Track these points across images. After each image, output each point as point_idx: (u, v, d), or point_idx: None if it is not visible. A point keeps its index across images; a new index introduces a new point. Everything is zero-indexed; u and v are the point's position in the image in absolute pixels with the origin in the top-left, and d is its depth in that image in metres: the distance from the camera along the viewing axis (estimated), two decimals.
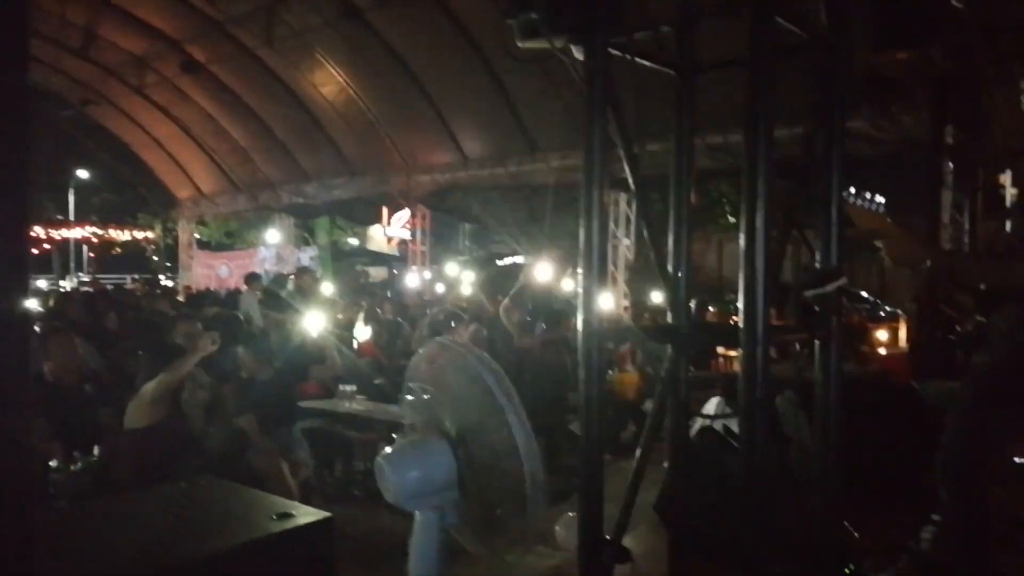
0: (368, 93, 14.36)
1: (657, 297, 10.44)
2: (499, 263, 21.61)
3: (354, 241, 27.72)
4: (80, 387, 5.01)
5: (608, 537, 2.18)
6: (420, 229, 16.65)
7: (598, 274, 2.12)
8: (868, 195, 19.17)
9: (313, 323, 6.69)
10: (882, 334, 11.16)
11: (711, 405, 4.09)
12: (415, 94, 13.37)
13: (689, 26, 2.36)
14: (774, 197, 2.02)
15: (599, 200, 2.09)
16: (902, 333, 10.61)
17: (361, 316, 10.73)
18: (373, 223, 18.70)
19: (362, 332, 10.29)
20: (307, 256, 21.48)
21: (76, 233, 21.93)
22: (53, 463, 3.96)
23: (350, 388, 7.03)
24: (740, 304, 2.05)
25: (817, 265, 2.45)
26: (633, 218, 12.83)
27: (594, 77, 1.95)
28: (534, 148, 12.78)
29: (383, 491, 2.16)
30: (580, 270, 2.25)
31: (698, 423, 3.70)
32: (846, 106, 2.47)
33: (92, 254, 24.67)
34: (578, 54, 2.04)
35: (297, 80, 14.86)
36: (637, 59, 2.13)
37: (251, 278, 11.76)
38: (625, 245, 13.65)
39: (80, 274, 25.25)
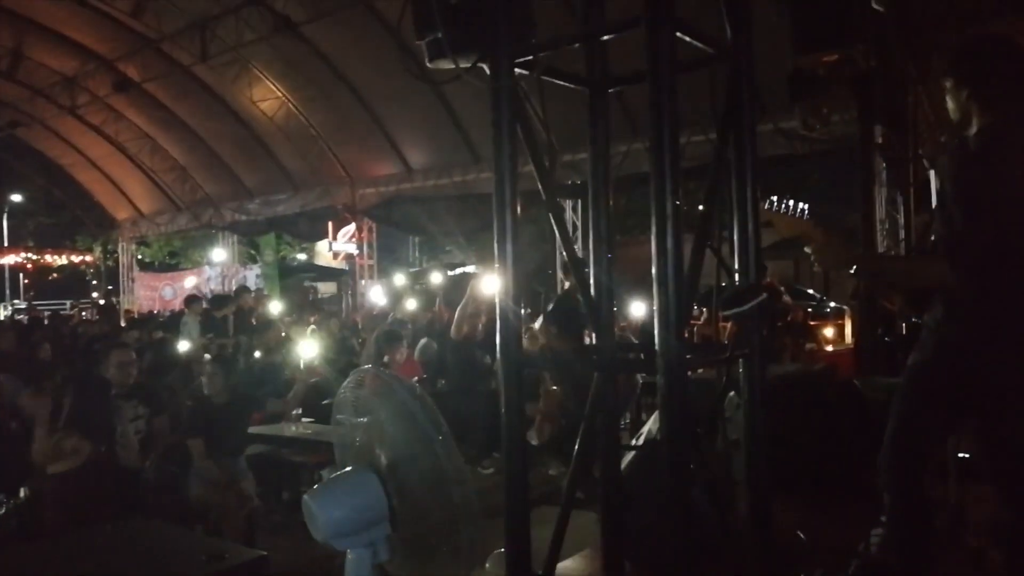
0: (307, 107, 14.21)
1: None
2: (450, 273, 21.49)
3: (302, 256, 27.36)
4: (5, 424, 4.80)
5: (539, 573, 2.14)
6: (367, 242, 16.49)
7: (517, 294, 2.07)
8: (790, 202, 19.52)
9: (300, 353, 6.52)
10: (828, 331, 11.35)
11: (651, 421, 4.06)
12: (356, 106, 13.26)
13: (594, 44, 2.35)
14: (684, 212, 2.01)
15: (512, 220, 2.05)
16: (847, 329, 10.80)
17: (309, 333, 10.56)
18: (319, 238, 18.47)
19: (308, 350, 10.12)
20: (253, 274, 21.14)
21: (10, 259, 21.21)
22: None
23: (296, 411, 6.89)
24: (655, 330, 2.03)
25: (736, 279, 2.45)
26: (580, 225, 12.87)
27: (500, 96, 1.91)
28: (478, 158, 12.76)
29: (312, 531, 2.07)
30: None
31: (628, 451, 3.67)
32: (754, 115, 2.48)
33: (27, 280, 23.91)
34: (486, 69, 2.00)
35: (235, 96, 14.64)
36: (545, 77, 2.10)
37: (190, 300, 11.48)
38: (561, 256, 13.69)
39: (16, 301, 24.45)
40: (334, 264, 20.66)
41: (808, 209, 19.53)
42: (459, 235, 16.15)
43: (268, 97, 14.28)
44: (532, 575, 2.07)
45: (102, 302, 20.95)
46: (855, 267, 2.56)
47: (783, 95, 6.78)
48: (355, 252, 16.85)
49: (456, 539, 2.05)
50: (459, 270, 21.77)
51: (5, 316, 18.93)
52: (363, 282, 16.74)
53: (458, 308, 7.86)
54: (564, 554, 2.49)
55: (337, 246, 17.21)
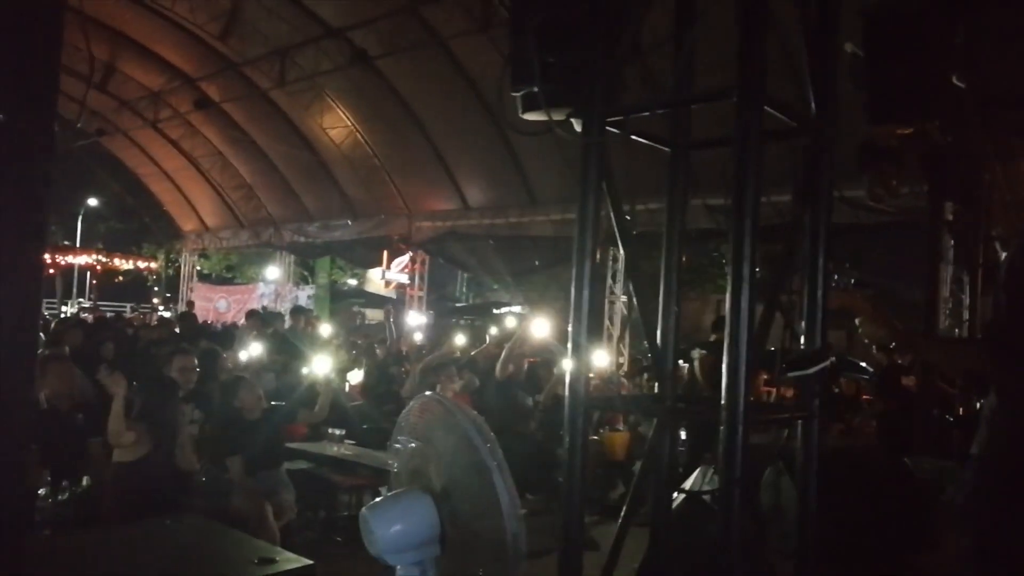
0: (374, 137, 14.61)
1: None
2: (496, 312, 21.66)
3: (353, 282, 27.81)
4: (73, 415, 5.01)
5: None
6: (419, 274, 16.75)
7: (589, 339, 2.16)
8: (835, 275, 19.14)
9: (318, 366, 6.68)
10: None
11: (696, 475, 4.09)
12: (420, 140, 13.60)
13: (681, 111, 2.46)
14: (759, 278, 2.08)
15: (590, 268, 2.15)
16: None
17: (355, 358, 10.73)
18: (373, 265, 18.81)
19: (354, 375, 10.28)
20: (305, 295, 21.57)
21: (81, 260, 22.04)
22: (41, 491, 3.96)
23: (338, 432, 7.01)
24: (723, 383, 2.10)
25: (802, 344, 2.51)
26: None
27: (590, 152, 2.02)
28: (534, 200, 12.96)
29: (366, 543, 2.17)
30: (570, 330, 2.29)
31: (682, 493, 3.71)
32: (831, 187, 2.55)
33: (95, 281, 24.74)
34: (577, 126, 2.12)
35: (306, 121, 15.13)
36: (633, 136, 2.21)
37: (250, 315, 11.79)
38: (623, 301, 13.71)
39: (81, 300, 25.27)
40: (383, 292, 20.98)
41: (863, 281, 19.22)
42: (507, 275, 16.32)
43: (337, 125, 14.74)
44: None
45: (166, 311, 21.56)
46: (896, 344, 2.56)
47: (851, 163, 6.74)
48: (407, 282, 17.11)
49: (503, 567, 2.12)
50: (504, 310, 21.94)
51: (71, 314, 19.59)
52: (411, 312, 16.96)
53: (505, 347, 7.97)
54: None
55: (390, 275, 17.49)
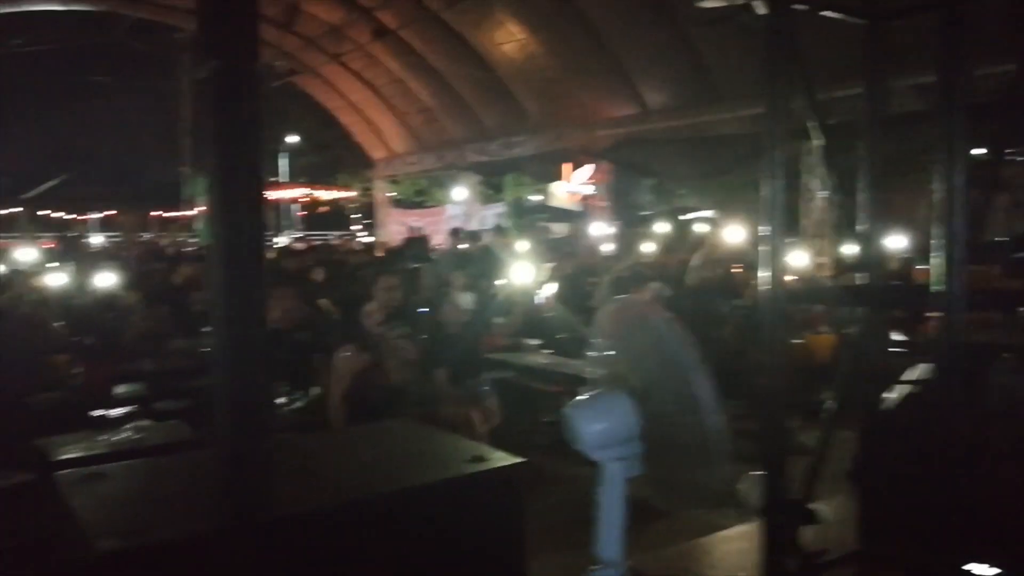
0: (548, 49, 14.45)
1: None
2: (681, 218, 21.16)
3: (537, 197, 28.09)
4: (295, 333, 5.53)
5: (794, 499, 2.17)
6: (602, 184, 16.61)
7: (784, 236, 2.07)
8: None
9: (515, 277, 6.88)
10: None
11: (916, 371, 3.86)
12: (595, 47, 13.28)
13: None
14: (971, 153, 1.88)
15: (780, 157, 2.03)
16: None
17: (546, 271, 10.94)
18: (554, 179, 18.86)
19: (547, 287, 10.50)
20: (492, 213, 22.09)
21: (288, 193, 23.94)
22: (277, 400, 4.45)
23: (534, 342, 7.26)
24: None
25: None
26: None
27: (776, 35, 1.89)
28: (718, 96, 12.35)
29: (570, 441, 2.27)
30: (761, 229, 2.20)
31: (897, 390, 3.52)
32: None
33: (302, 212, 26.80)
34: (760, 10, 1.99)
35: (479, 40, 15.21)
36: (823, 12, 2.03)
37: (454, 233, 12.32)
38: (820, 197, 12.92)
39: (291, 231, 27.46)
40: (567, 205, 21.05)
41: None
42: (695, 178, 15.82)
43: (510, 40, 14.70)
44: (789, 500, 2.12)
45: (366, 237, 22.99)
46: None
47: None
48: (590, 193, 17.05)
49: (707, 467, 2.15)
50: (692, 215, 21.37)
51: (285, 244, 21.40)
52: (596, 224, 16.94)
53: (698, 253, 7.82)
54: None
55: (572, 187, 17.48)
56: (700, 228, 12.90)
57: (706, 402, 2.06)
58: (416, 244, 13.71)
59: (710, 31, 11.26)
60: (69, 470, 2.96)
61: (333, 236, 25.08)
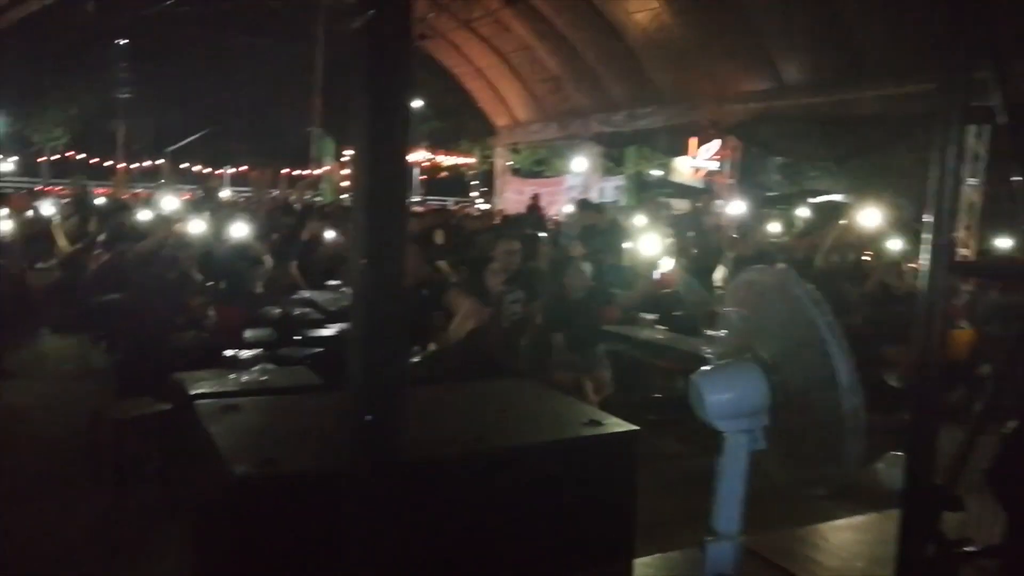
0: (681, 18, 14.06)
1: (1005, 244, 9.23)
2: (811, 201, 20.35)
3: (657, 172, 27.61)
4: (417, 291, 5.68)
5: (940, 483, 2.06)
6: (729, 161, 16.13)
7: (951, 222, 1.90)
8: None
9: (641, 251, 6.81)
10: None
11: None
12: (731, 16, 12.80)
13: None
14: None
15: (958, 146, 1.87)
16: None
17: (668, 247, 10.77)
18: (679, 153, 18.43)
19: (665, 263, 10.34)
20: (612, 185, 21.87)
21: (411, 157, 24.47)
22: None
23: (650, 316, 7.17)
24: None
25: None
26: (983, 155, 11.28)
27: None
28: (860, 72, 11.68)
29: (695, 409, 2.23)
30: (926, 217, 2.04)
31: None
32: None
33: (422, 177, 27.34)
34: None
35: (611, 7, 14.95)
36: None
37: (581, 204, 12.28)
38: (970, 185, 12.10)
39: (414, 196, 28.10)
40: (690, 181, 20.60)
41: None
42: (829, 160, 15.13)
43: (644, 8, 14.38)
44: (933, 484, 2.02)
45: (484, 204, 23.26)
46: None
47: None
48: (716, 170, 16.58)
49: (838, 446, 2.06)
50: (823, 198, 20.50)
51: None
52: (719, 202, 16.50)
53: (828, 235, 7.52)
54: None
55: (698, 162, 17.03)
56: (831, 211, 12.36)
57: (845, 379, 1.97)
58: (533, 213, 13.76)
59: (857, 2, 10.67)
60: (207, 401, 3.16)
61: (450, 201, 25.49)
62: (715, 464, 2.28)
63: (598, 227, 9.92)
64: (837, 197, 17.92)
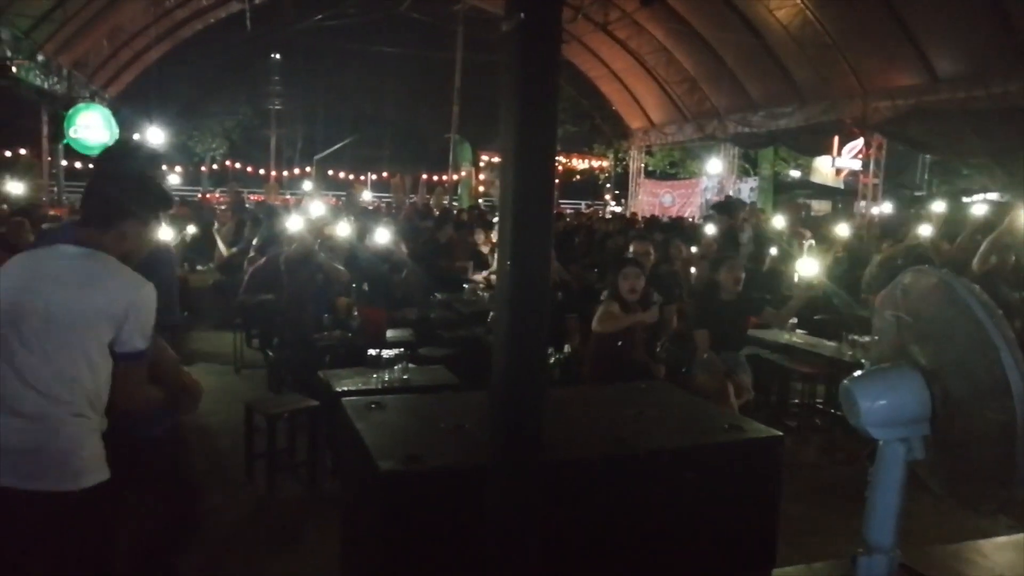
0: (825, 12, 13.50)
1: None
2: (966, 200, 19.06)
3: (795, 173, 26.61)
4: (554, 294, 5.74)
5: None
6: (874, 160, 15.36)
7: None
8: None
9: (802, 268, 6.61)
10: None
11: None
12: (878, 7, 12.16)
13: None
14: None
15: None
16: None
17: (806, 249, 10.37)
18: (820, 154, 17.73)
19: (807, 267, 9.96)
20: (748, 187, 21.28)
21: None
22: None
23: (792, 320, 6.94)
24: None
25: None
26: None
27: None
28: (1022, 62, 10.82)
29: (847, 415, 2.14)
30: None
31: None
32: None
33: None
34: None
35: (751, 5, 14.57)
36: None
37: (722, 207, 12.03)
38: None
39: None
40: (830, 182, 19.76)
41: None
42: (986, 156, 14.13)
43: (785, 4, 13.92)
44: None
45: (616, 206, 23.18)
46: None
47: None
48: (859, 169, 15.85)
49: (1008, 461, 1.92)
50: (977, 197, 19.15)
51: None
52: (862, 203, 15.76)
53: (988, 238, 7.02)
54: None
55: (841, 162, 16.34)
56: (988, 211, 11.51)
57: (1018, 387, 1.84)
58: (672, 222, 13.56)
59: None
60: (353, 398, 3.31)
61: (583, 205, 25.49)
62: (868, 473, 2.18)
63: (734, 230, 9.65)
64: (993, 196, 16.71)
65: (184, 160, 26.48)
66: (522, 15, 1.90)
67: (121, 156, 3.38)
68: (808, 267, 7.12)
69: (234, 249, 9.82)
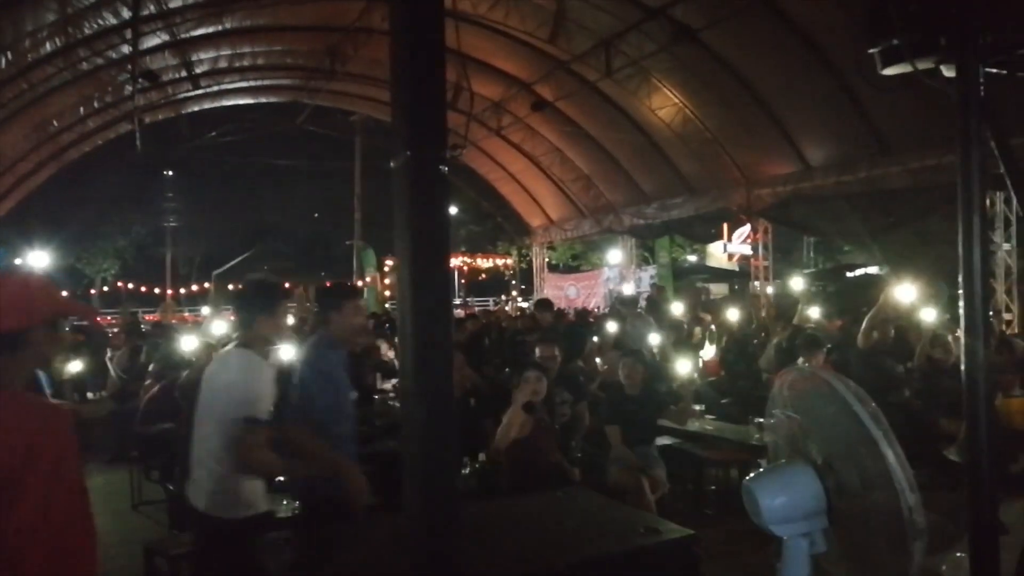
0: (704, 111, 14.42)
1: None
2: (849, 275, 20.22)
3: (693, 258, 27.74)
4: (466, 400, 5.72)
5: None
6: (762, 244, 16.21)
7: (986, 301, 1.92)
8: None
9: (680, 368, 6.77)
10: None
11: None
12: (752, 106, 13.12)
13: None
14: None
15: (981, 224, 1.91)
16: None
17: (706, 334, 10.72)
18: (712, 240, 18.59)
19: (707, 351, 10.28)
20: (647, 275, 21.99)
21: (454, 262, 25.07)
22: None
23: (698, 407, 7.10)
24: None
25: None
26: (1014, 219, 11.25)
27: (968, 102, 1.80)
28: (886, 150, 11.82)
29: (751, 514, 2.21)
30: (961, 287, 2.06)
31: None
32: None
33: (463, 280, 27.81)
34: (948, 72, 1.91)
35: (635, 106, 15.39)
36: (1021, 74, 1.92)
37: (623, 302, 12.38)
38: (1004, 250, 12.02)
39: (455, 299, 28.52)
40: (726, 265, 20.65)
41: None
42: (864, 234, 15.12)
43: (666, 104, 14.78)
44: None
45: (523, 302, 23.52)
46: None
47: None
48: (749, 253, 16.67)
49: (900, 548, 2.02)
50: (859, 272, 20.35)
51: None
52: (756, 284, 16.52)
53: (867, 314, 7.42)
54: None
55: (732, 247, 17.17)
56: (869, 286, 12.23)
57: (899, 478, 1.95)
58: (579, 315, 13.88)
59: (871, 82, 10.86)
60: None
61: (491, 302, 25.78)
62: (776, 569, 2.24)
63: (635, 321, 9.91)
64: (873, 270, 17.79)
65: (72, 284, 25.52)
66: (408, 153, 1.98)
67: None
68: (688, 363, 7.21)
69: (125, 377, 9.43)
